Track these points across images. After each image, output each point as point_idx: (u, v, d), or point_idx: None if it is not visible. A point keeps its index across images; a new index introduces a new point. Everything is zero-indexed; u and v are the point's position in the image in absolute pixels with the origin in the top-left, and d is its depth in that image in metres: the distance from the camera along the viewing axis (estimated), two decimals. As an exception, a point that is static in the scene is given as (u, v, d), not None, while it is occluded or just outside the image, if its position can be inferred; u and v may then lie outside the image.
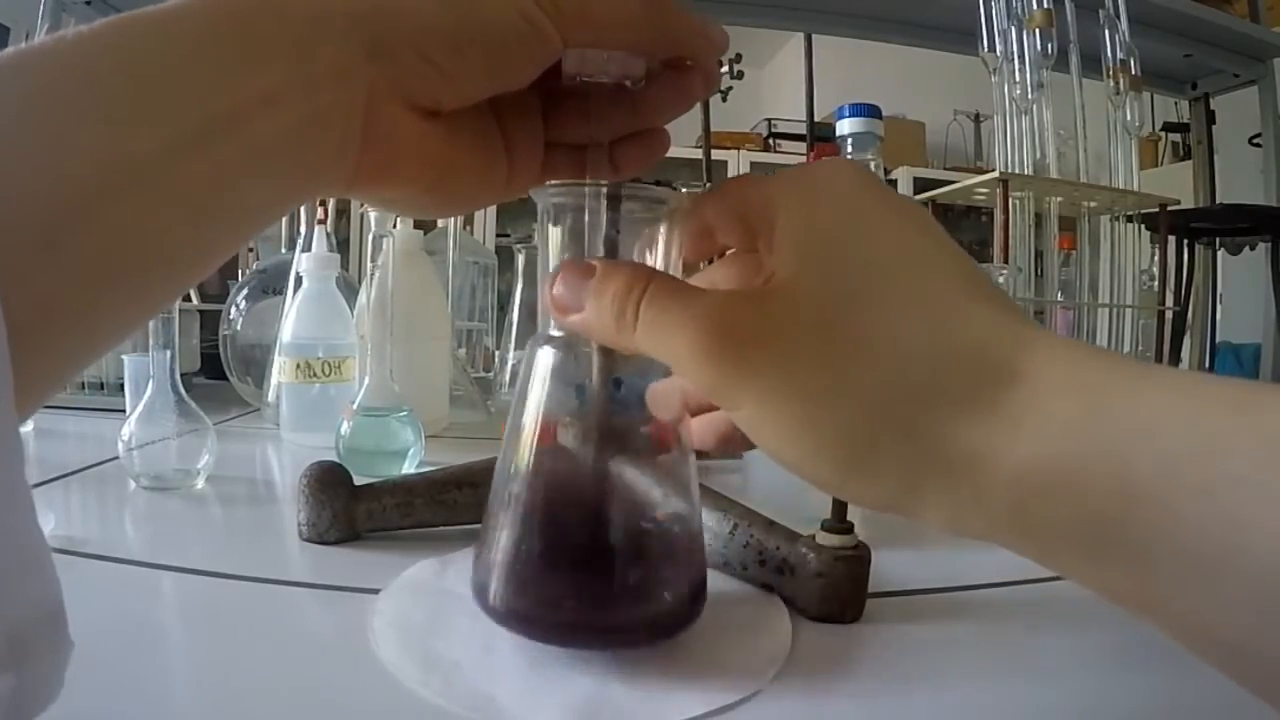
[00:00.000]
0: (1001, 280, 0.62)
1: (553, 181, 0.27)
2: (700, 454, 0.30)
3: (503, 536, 0.29)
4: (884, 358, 0.20)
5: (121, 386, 0.66)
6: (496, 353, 0.98)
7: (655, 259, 0.27)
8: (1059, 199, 1.10)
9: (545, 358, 0.29)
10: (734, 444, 0.24)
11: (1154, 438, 0.17)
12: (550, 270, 0.27)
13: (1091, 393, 0.18)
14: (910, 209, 0.23)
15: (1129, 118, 1.14)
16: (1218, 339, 1.86)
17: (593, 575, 0.28)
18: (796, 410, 0.20)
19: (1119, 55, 1.14)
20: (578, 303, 0.23)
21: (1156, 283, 1.30)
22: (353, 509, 0.41)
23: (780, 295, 0.21)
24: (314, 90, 0.20)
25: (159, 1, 0.19)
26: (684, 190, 0.30)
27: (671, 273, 0.27)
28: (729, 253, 0.27)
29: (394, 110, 0.22)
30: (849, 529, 0.33)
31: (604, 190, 0.26)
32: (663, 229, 0.27)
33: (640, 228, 0.27)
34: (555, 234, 0.28)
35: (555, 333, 0.29)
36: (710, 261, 0.28)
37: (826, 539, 0.33)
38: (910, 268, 0.21)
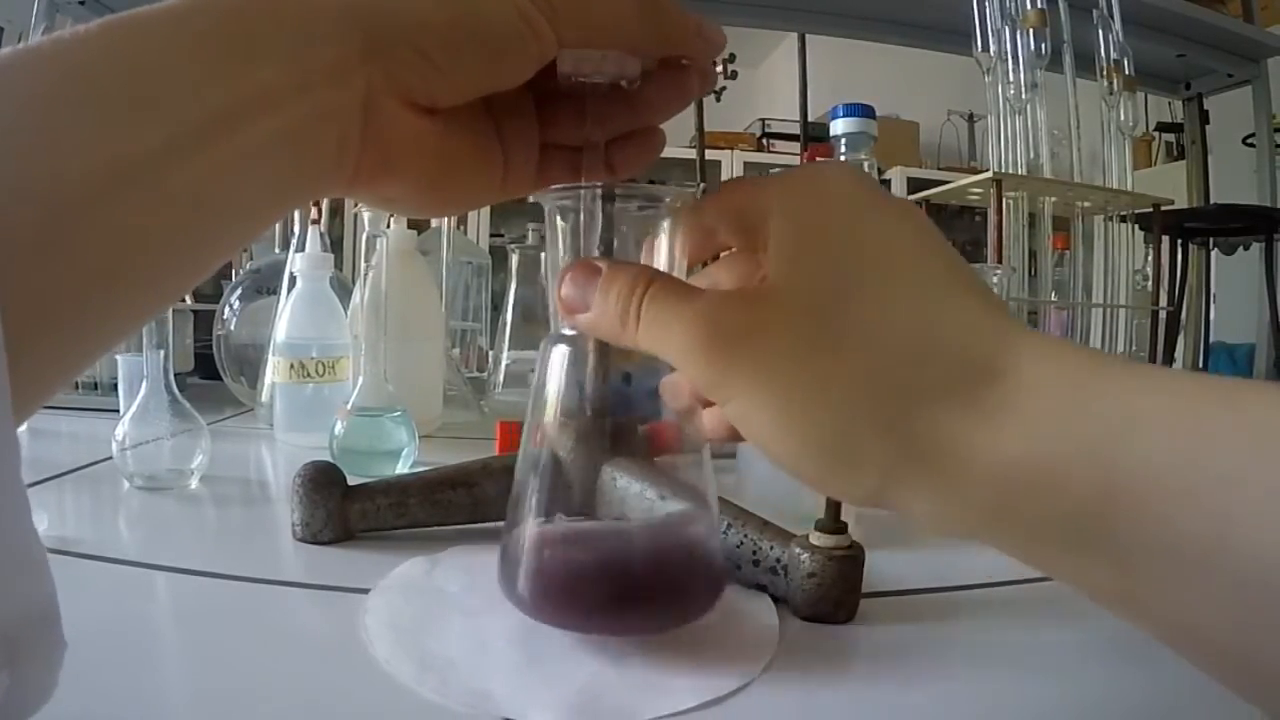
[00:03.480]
0: (995, 281, 0.62)
1: (556, 185, 0.27)
2: None
3: (527, 530, 0.30)
4: (867, 354, 0.20)
5: (115, 386, 0.66)
6: (490, 353, 0.98)
7: (659, 255, 0.28)
8: (1053, 199, 1.10)
9: (559, 355, 0.30)
10: (737, 434, 0.25)
11: (1137, 437, 0.17)
12: (558, 271, 0.28)
13: (1075, 390, 0.18)
14: (903, 209, 0.23)
15: (1123, 118, 1.15)
16: (1211, 339, 1.86)
17: (617, 565, 0.30)
18: (782, 404, 0.20)
19: (1113, 55, 1.14)
20: (584, 303, 0.24)
21: (1150, 283, 1.30)
22: (346, 509, 0.41)
23: (770, 294, 0.21)
24: (311, 89, 0.20)
25: (154, 0, 0.19)
26: (684, 186, 0.30)
27: (676, 269, 0.28)
28: (732, 252, 0.27)
29: (392, 107, 0.22)
30: (843, 529, 0.33)
31: (599, 191, 0.27)
32: (666, 226, 0.28)
33: (644, 226, 0.28)
34: (561, 236, 0.28)
35: (568, 331, 0.29)
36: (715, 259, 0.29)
37: (820, 539, 0.33)
38: (897, 267, 0.21)
